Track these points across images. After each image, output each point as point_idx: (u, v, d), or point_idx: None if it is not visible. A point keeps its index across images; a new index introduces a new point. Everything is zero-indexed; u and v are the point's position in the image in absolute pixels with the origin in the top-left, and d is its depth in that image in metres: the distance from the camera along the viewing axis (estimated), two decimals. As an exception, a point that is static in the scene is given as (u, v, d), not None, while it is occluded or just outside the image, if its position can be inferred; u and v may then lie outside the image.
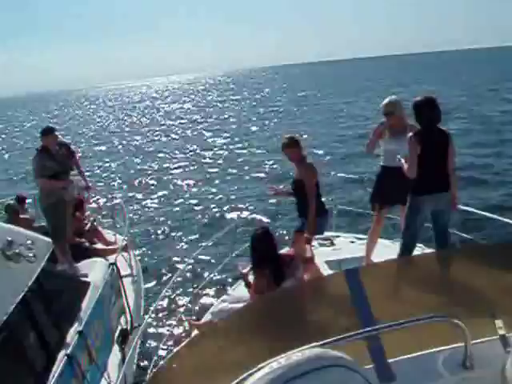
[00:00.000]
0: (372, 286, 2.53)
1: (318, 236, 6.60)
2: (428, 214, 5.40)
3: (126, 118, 54.85)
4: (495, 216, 6.31)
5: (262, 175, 18.83)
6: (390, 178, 5.88)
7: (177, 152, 26.55)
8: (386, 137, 5.97)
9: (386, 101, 6.03)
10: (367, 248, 6.23)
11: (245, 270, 5.13)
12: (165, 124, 43.08)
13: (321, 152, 21.07)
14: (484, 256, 2.87)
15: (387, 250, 5.88)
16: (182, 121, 44.17)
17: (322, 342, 1.92)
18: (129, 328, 5.53)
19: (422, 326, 2.15)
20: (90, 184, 9.10)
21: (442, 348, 2.34)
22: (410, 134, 5.30)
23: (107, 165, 24.50)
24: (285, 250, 6.10)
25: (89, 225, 8.24)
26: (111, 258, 6.54)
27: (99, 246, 7.83)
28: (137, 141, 33.23)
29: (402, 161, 5.41)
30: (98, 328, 4.57)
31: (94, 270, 6.21)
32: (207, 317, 5.47)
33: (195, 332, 5.10)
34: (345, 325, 2.40)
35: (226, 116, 43.20)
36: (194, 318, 5.44)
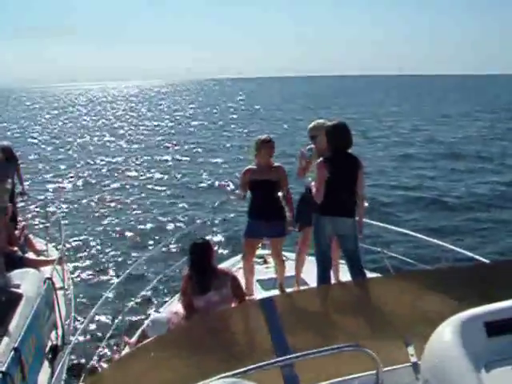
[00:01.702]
0: (287, 315, 2.60)
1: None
2: (331, 233, 5.45)
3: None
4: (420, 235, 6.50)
5: (201, 188, 19.01)
6: (311, 200, 5.79)
7: (113, 161, 26.08)
8: (313, 159, 5.94)
9: (311, 124, 6.05)
10: (296, 266, 6.28)
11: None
12: (101, 129, 42.29)
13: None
14: (399, 284, 2.96)
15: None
16: (122, 125, 43.59)
17: (234, 372, 1.98)
18: (59, 344, 5.47)
19: (336, 354, 2.21)
20: (26, 190, 8.95)
21: (355, 376, 2.41)
22: (320, 159, 5.34)
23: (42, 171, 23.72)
24: (224, 265, 6.26)
25: (21, 232, 8.06)
26: (45, 270, 6.41)
27: (31, 255, 7.64)
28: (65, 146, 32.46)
29: (312, 184, 5.45)
30: (31, 344, 4.52)
31: (26, 282, 6.06)
32: (143, 328, 5.46)
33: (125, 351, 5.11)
34: (260, 353, 2.44)
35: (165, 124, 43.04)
36: (127, 339, 5.44)
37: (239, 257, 7.07)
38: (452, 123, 38.97)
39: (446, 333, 2.16)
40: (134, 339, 5.32)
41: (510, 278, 2.74)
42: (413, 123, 38.85)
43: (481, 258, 5.17)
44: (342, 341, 2.25)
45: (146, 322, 5.29)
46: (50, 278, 5.51)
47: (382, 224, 6.52)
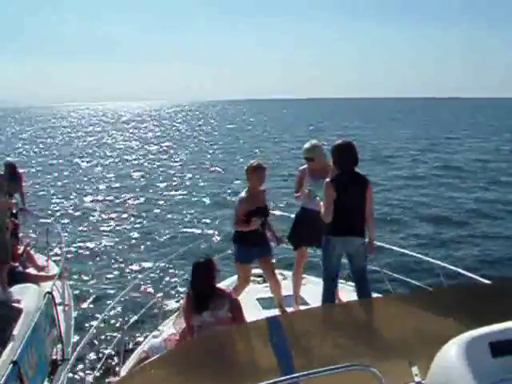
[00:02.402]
0: (293, 334, 2.60)
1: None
2: (341, 253, 5.41)
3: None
4: (422, 256, 6.51)
5: (203, 205, 19.01)
6: (308, 220, 5.91)
7: (116, 178, 26.24)
8: (306, 180, 5.97)
9: (307, 145, 6.02)
10: (293, 285, 6.25)
11: None
12: (102, 148, 42.58)
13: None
14: (403, 304, 2.94)
15: (317, 287, 5.97)
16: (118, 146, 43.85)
17: None
18: (59, 359, 5.46)
19: (341, 373, 2.19)
20: (28, 207, 9.01)
21: None
22: (327, 179, 5.29)
23: (43, 187, 23.81)
24: (225, 284, 6.21)
25: (22, 248, 8.10)
26: (46, 285, 6.43)
27: (31, 270, 7.68)
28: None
29: (321, 204, 5.40)
30: (31, 358, 4.51)
31: (26, 296, 6.09)
32: (138, 352, 5.44)
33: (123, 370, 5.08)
34: (266, 372, 2.43)
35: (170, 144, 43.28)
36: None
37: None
38: (457, 144, 39.24)
39: (452, 353, 2.16)
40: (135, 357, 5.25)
41: (510, 296, 2.74)
42: (419, 144, 39.14)
43: (480, 278, 5.13)
44: (347, 360, 2.24)
45: (145, 347, 5.26)
46: (49, 293, 5.51)
47: (381, 244, 6.50)
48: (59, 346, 5.56)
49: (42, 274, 7.52)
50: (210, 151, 38.43)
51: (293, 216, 6.44)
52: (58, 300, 6.45)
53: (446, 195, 20.00)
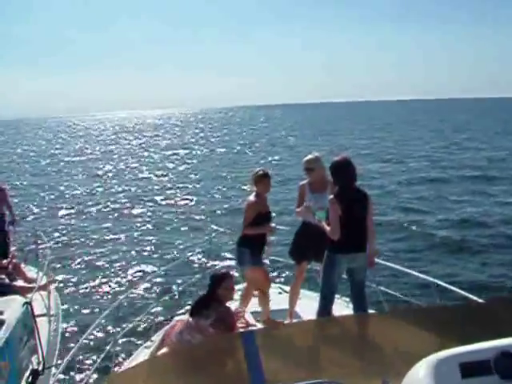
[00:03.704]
0: (267, 349, 2.59)
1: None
2: (344, 270, 5.46)
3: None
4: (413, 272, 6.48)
5: (203, 216, 18.87)
6: (308, 234, 5.95)
7: (105, 190, 26.22)
8: (305, 193, 6.04)
9: (308, 157, 6.07)
10: (290, 300, 6.27)
11: None
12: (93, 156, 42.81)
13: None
14: (388, 321, 2.96)
15: (312, 302, 5.97)
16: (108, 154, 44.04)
17: None
18: (40, 368, 5.43)
19: None
20: (17, 218, 9.02)
21: None
22: (331, 196, 5.31)
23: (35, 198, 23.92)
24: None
25: (10, 261, 8.10)
26: (29, 296, 6.43)
27: (19, 282, 7.68)
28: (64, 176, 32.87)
29: (323, 222, 5.41)
30: (3, 367, 4.51)
31: (10, 308, 6.08)
32: (131, 362, 5.41)
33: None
34: None
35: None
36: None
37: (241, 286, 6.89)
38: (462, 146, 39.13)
39: (421, 372, 2.14)
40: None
41: (493, 317, 2.74)
42: (427, 147, 39.16)
43: (474, 297, 5.10)
44: (320, 375, 2.24)
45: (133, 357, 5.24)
46: (28, 303, 5.51)
47: (379, 260, 6.47)
48: (40, 355, 5.54)
49: (29, 285, 7.50)
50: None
51: (287, 228, 6.42)
52: (41, 310, 6.44)
53: (457, 199, 19.80)
